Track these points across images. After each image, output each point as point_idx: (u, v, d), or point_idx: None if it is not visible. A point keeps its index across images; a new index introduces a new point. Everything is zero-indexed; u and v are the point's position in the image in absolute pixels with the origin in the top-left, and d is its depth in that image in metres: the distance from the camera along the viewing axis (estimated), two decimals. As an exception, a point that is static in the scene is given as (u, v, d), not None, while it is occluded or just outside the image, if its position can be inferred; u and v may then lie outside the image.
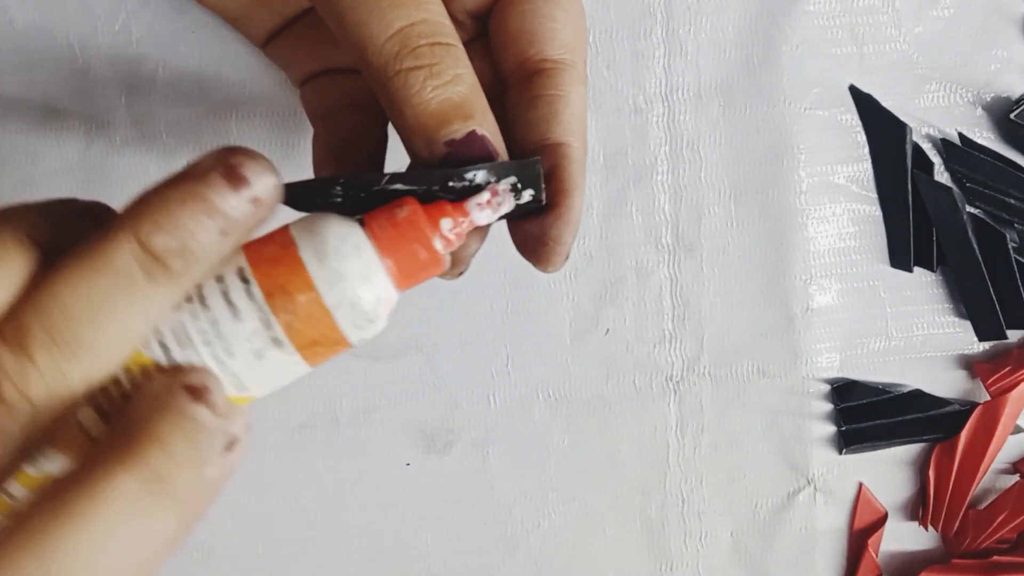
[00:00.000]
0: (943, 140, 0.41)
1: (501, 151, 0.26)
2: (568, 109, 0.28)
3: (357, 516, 0.41)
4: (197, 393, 0.21)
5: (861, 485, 0.43)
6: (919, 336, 0.42)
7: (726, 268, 0.41)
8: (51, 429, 0.21)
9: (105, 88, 0.37)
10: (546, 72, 0.29)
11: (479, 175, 0.24)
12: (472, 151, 0.25)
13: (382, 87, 0.26)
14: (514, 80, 0.30)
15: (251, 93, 0.38)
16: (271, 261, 0.22)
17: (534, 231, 0.27)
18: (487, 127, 0.25)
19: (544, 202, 0.26)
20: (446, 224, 0.23)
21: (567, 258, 0.28)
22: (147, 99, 0.38)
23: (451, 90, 0.25)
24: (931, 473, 0.43)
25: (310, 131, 0.38)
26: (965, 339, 0.43)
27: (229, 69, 0.38)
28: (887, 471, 0.43)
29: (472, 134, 0.25)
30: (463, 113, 0.25)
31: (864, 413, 0.42)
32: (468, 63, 0.26)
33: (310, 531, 0.41)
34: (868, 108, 0.41)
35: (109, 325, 0.21)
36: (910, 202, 0.41)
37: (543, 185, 0.25)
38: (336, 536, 0.41)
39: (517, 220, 0.28)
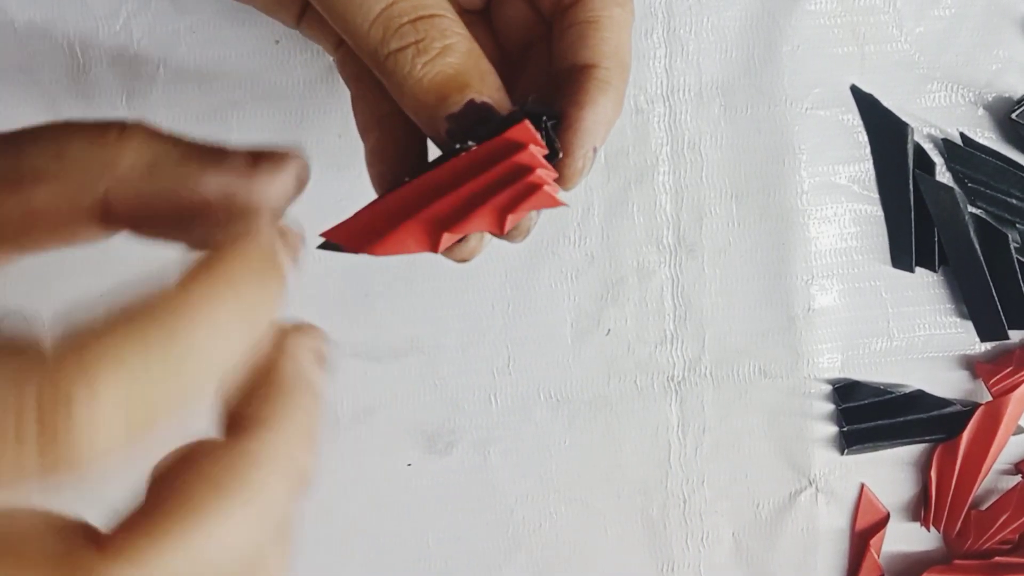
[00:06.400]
0: (944, 140, 0.41)
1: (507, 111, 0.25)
2: (597, 32, 0.27)
3: (357, 516, 0.41)
4: None
5: (863, 486, 0.43)
6: (921, 336, 0.42)
7: (727, 268, 0.41)
8: None
9: (106, 88, 0.37)
10: (579, 1, 0.28)
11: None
12: (476, 119, 0.24)
13: (380, 74, 0.25)
14: (552, 15, 0.29)
15: (252, 93, 0.38)
16: None
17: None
18: (487, 91, 0.25)
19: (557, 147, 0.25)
20: None
21: (582, 173, 0.27)
22: (148, 99, 0.38)
23: (440, 63, 0.24)
24: (933, 474, 0.43)
25: (311, 132, 0.38)
26: (967, 339, 0.43)
27: (230, 69, 0.38)
28: (889, 472, 0.43)
29: (470, 103, 0.24)
30: (458, 84, 0.24)
31: (866, 413, 0.42)
32: (460, 30, 0.25)
33: (310, 531, 0.41)
34: (869, 108, 0.41)
35: None
36: (912, 202, 0.41)
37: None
38: (336, 536, 0.41)
39: None
